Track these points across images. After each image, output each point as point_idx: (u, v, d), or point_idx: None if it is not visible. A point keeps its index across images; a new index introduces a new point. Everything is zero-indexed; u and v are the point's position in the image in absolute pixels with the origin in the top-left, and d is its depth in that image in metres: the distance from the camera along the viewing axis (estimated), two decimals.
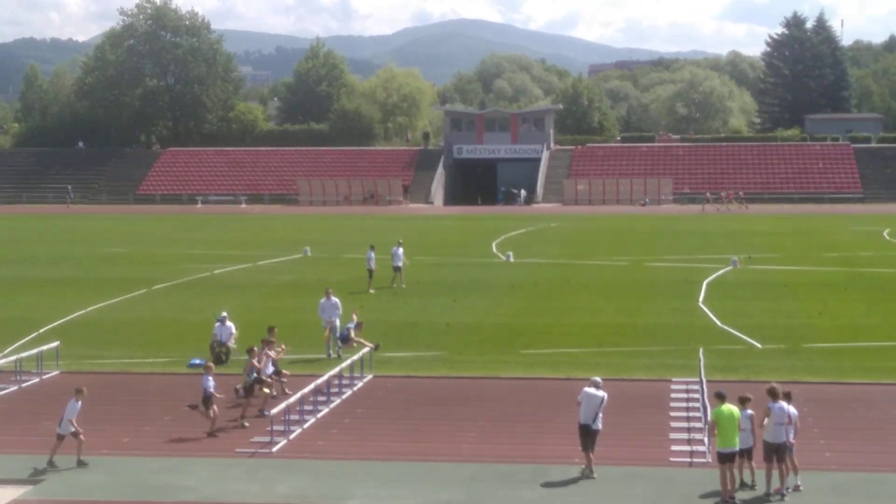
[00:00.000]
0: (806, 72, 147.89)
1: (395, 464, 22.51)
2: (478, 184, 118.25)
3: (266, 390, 26.89)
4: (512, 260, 57.84)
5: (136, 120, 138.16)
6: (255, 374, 26.93)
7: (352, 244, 65.52)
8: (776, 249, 62.46)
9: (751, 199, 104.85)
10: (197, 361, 32.62)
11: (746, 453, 20.71)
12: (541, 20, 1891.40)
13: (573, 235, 74.47)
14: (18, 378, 30.27)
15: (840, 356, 33.04)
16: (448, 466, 22.30)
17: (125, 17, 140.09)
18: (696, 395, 26.70)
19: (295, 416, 25.38)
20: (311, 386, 26.43)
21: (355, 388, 29.21)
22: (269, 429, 24.33)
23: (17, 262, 59.16)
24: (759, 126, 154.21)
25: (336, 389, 28.43)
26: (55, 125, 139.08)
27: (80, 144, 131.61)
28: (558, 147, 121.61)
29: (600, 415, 21.80)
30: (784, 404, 20.84)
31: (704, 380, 26.54)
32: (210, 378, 25.15)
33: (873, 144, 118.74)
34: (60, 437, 22.55)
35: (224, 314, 33.80)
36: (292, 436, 24.58)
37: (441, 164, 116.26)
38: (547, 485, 21.15)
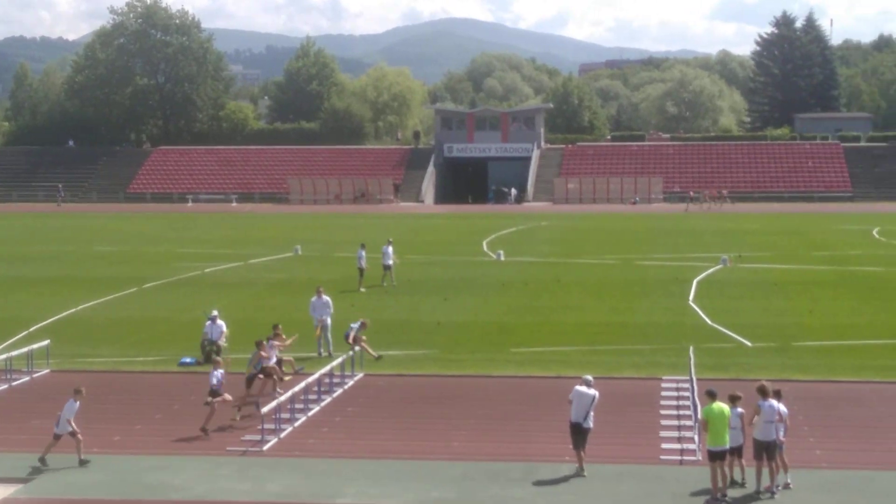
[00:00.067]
0: (795, 71, 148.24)
1: (386, 462, 22.53)
2: (468, 183, 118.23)
3: (275, 377, 27.74)
4: (503, 258, 57.88)
5: (127, 118, 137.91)
6: (260, 366, 27.35)
7: (342, 243, 65.51)
8: (766, 248, 62.58)
9: (741, 198, 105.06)
10: (188, 360, 32.66)
11: (737, 451, 20.74)
12: (531, 19, 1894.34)
13: (563, 234, 74.53)
14: (8, 377, 30.19)
15: (830, 354, 33.12)
16: (439, 465, 22.32)
17: (115, 16, 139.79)
18: (687, 394, 26.75)
19: (286, 415, 25.38)
20: (302, 384, 26.46)
21: (346, 387, 29.22)
22: (260, 427, 24.34)
23: (8, 261, 59.04)
24: (748, 125, 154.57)
25: (327, 388, 28.44)
26: (45, 124, 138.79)
27: (71, 143, 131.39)
28: (549, 146, 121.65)
29: (591, 413, 21.83)
30: (774, 402, 20.89)
31: (695, 378, 26.59)
32: (217, 372, 25.42)
33: (862, 143, 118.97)
34: (57, 437, 22.48)
35: (215, 313, 33.78)
36: (283, 434, 24.58)
37: (431, 163, 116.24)
38: (538, 483, 21.18)
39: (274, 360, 28.22)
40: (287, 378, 28.49)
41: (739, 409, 20.81)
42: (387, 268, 48.26)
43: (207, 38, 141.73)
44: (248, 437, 24.37)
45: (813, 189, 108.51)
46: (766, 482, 20.55)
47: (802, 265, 54.81)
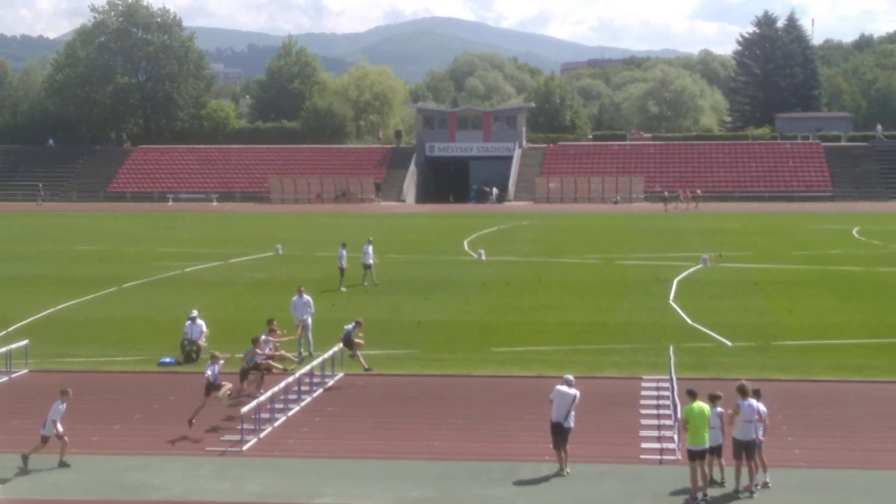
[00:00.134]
0: (777, 71, 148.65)
1: (366, 462, 22.50)
2: (450, 182, 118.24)
3: (277, 367, 28.43)
4: (484, 258, 57.87)
5: (107, 117, 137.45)
6: (253, 361, 27.62)
7: (324, 242, 65.39)
8: (747, 248, 62.72)
9: (721, 198, 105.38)
10: (167, 360, 32.57)
11: (716, 450, 20.79)
12: (513, 18, 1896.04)
13: (545, 233, 74.58)
14: None
15: (809, 354, 33.21)
16: (420, 464, 22.31)
17: (96, 14, 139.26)
18: (667, 393, 26.79)
19: (266, 415, 25.33)
20: (282, 384, 26.42)
21: (326, 386, 29.18)
22: (239, 427, 24.28)
23: None
24: (730, 125, 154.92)
25: (307, 388, 28.39)
26: (25, 122, 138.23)
27: (51, 142, 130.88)
28: (530, 145, 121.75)
29: (572, 413, 21.85)
30: (753, 401, 20.95)
31: (675, 378, 26.62)
32: (214, 366, 25.63)
33: (843, 143, 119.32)
34: (44, 439, 22.34)
35: (195, 312, 33.72)
36: (263, 434, 24.53)
37: (413, 162, 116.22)
38: (518, 483, 21.19)
39: (267, 352, 28.48)
40: (277, 372, 28.51)
41: (719, 409, 20.85)
42: (367, 267, 48.20)
43: (189, 37, 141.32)
44: (227, 437, 24.31)
45: (793, 189, 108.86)
46: (745, 481, 20.60)
47: (783, 265, 54.97)
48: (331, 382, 29.61)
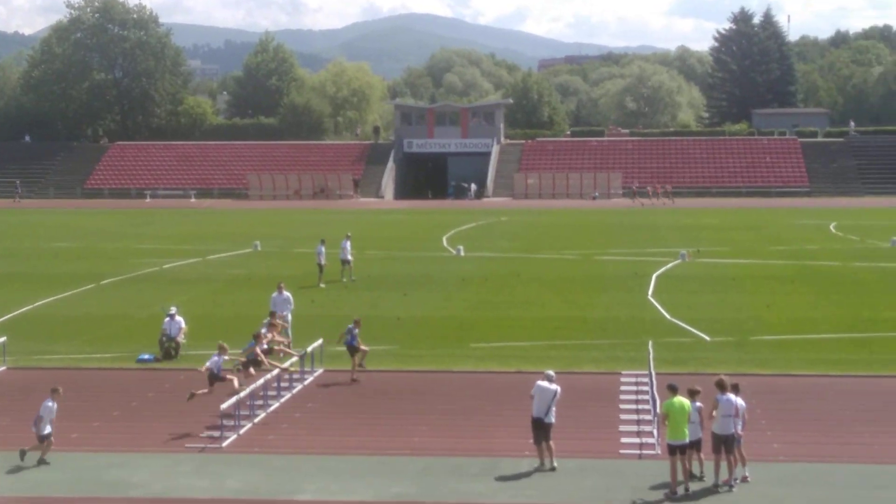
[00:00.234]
0: (753, 67, 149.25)
1: (346, 458, 22.50)
2: (428, 178, 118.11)
3: (280, 356, 28.99)
4: (462, 254, 57.90)
5: (84, 114, 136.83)
6: (252, 356, 27.81)
7: (302, 238, 65.29)
8: (724, 243, 62.94)
9: (699, 193, 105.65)
10: (146, 356, 32.50)
11: (695, 445, 20.87)
12: (490, 15, 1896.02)
13: (523, 229, 74.66)
14: None
15: (787, 348, 33.38)
16: (400, 460, 22.32)
17: (72, 10, 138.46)
18: (646, 388, 26.88)
19: (245, 411, 25.30)
20: (262, 381, 26.40)
21: (306, 383, 29.16)
22: (219, 423, 24.24)
23: None
24: (707, 120, 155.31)
25: (287, 384, 28.36)
26: (1, 119, 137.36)
27: (27, 138, 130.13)
28: (508, 141, 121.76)
29: (553, 408, 21.89)
30: (732, 396, 21.04)
31: (654, 372, 26.70)
32: (218, 358, 26.08)
33: (819, 139, 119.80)
34: (41, 439, 22.24)
35: (173, 309, 33.65)
36: (242, 430, 24.50)
37: (391, 159, 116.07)
38: (499, 478, 21.22)
39: (265, 347, 28.57)
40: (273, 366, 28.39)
41: (698, 404, 20.94)
42: (345, 262, 48.19)
43: (165, 33, 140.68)
44: (207, 434, 24.26)
45: (771, 184, 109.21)
46: (724, 475, 20.69)
47: (760, 260, 55.18)
48: (310, 378, 29.59)
